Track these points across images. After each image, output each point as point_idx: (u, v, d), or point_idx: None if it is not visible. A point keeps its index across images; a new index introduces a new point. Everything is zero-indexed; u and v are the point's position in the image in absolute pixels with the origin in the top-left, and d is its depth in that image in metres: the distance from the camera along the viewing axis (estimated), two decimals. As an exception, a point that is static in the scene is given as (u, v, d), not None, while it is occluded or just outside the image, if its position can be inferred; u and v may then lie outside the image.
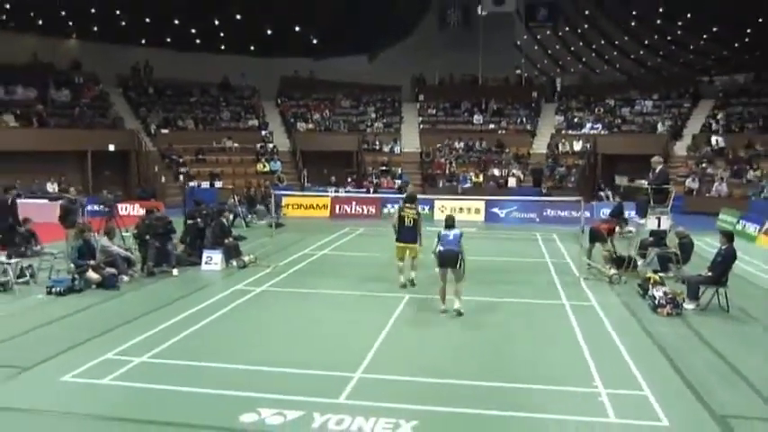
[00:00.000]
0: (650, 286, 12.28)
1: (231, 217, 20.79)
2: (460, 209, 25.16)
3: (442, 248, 11.18)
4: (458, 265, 11.05)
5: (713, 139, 32.28)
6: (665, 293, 11.68)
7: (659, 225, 13.76)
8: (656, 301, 11.61)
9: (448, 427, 6.82)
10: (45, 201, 22.40)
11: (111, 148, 29.49)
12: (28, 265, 13.10)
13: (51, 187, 26.59)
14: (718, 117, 34.43)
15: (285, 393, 7.43)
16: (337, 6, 35.68)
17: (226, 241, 15.61)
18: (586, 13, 44.75)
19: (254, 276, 14.18)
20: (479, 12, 40.59)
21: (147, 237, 14.38)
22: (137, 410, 7.08)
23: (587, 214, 20.98)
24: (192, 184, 28.67)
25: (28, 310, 11.20)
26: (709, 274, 12.00)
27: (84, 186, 27.31)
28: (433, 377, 8.09)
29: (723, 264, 11.89)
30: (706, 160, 31.41)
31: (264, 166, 33.20)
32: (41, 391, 7.58)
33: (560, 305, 12.13)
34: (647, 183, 14.12)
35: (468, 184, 32.03)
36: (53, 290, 12.06)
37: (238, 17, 35.88)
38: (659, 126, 34.87)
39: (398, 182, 32.37)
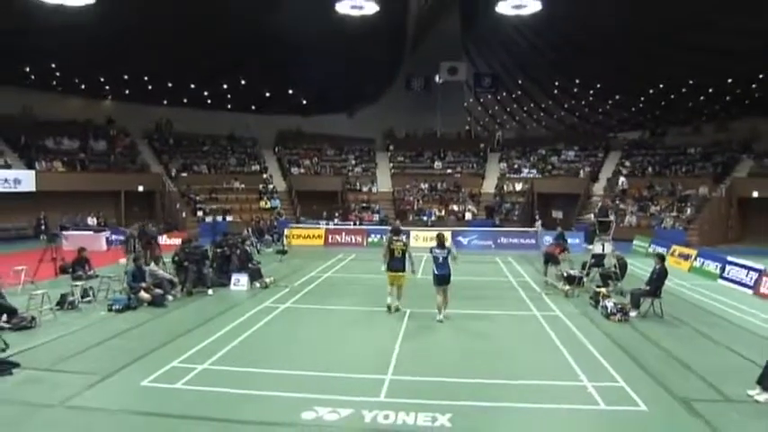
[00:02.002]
0: (601, 299, 12.47)
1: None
2: (431, 238, 25.10)
3: (437, 272, 11.38)
4: (449, 283, 11.41)
5: (620, 180, 33.07)
6: (614, 304, 11.86)
7: (603, 250, 14.07)
8: (609, 311, 11.76)
9: (476, 417, 6.71)
10: (90, 232, 21.78)
11: (140, 188, 28.98)
12: (89, 286, 12.62)
13: (91, 221, 25.94)
14: (625, 164, 35.42)
15: (333, 394, 7.23)
16: (322, 74, 35.87)
17: (250, 265, 15.31)
18: (519, 82, 45.74)
19: (276, 295, 13.84)
20: (437, 80, 41.33)
21: (186, 262, 14.02)
22: (212, 410, 6.81)
23: (548, 239, 21.44)
24: (208, 219, 28.20)
25: (95, 324, 10.75)
26: (647, 288, 12.26)
27: (118, 220, 26.77)
28: (449, 377, 7.99)
29: (658, 280, 12.14)
30: (618, 198, 32.26)
31: (266, 203, 32.90)
32: (125, 395, 7.25)
33: (533, 315, 12.16)
34: (593, 216, 14.43)
35: (433, 218, 32.19)
36: (113, 308, 11.63)
37: (243, 82, 35.78)
38: (581, 171, 35.71)
39: (377, 216, 32.39)
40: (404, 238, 12.45)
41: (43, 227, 23.28)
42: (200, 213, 29.40)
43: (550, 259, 15.94)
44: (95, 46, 24.37)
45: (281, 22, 26.95)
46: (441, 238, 11.87)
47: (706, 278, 17.08)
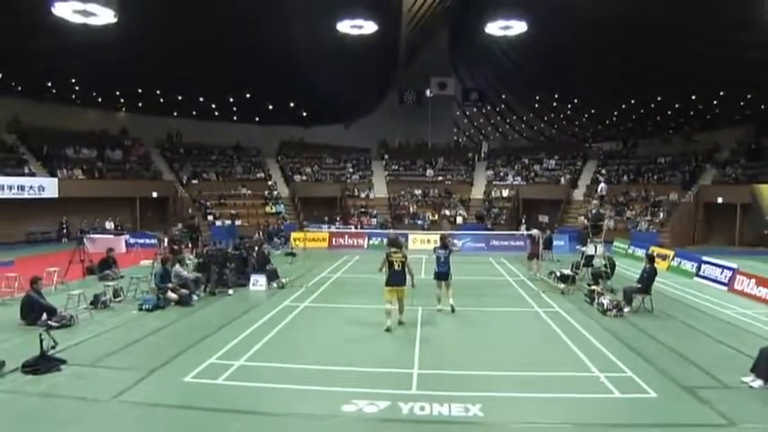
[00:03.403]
0: (596, 296, 12.56)
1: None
2: (428, 240, 25.11)
3: (437, 270, 11.76)
4: (448, 279, 11.71)
5: (600, 187, 33.25)
6: (610, 301, 11.95)
7: (596, 251, 14.17)
8: (605, 307, 11.84)
9: (505, 406, 6.69)
10: (111, 236, 21.50)
11: (155, 194, 28.68)
12: (120, 287, 12.43)
13: (109, 225, 25.68)
14: (602, 172, 35.74)
15: (368, 387, 7.15)
16: (321, 88, 35.86)
17: (267, 267, 15.18)
18: (503, 96, 46.10)
19: (294, 295, 13.71)
20: (428, 94, 41.52)
21: (210, 264, 13.88)
22: (256, 405, 6.69)
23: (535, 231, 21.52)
24: (218, 223, 27.96)
25: (129, 323, 10.57)
26: (639, 285, 12.38)
27: (133, 225, 26.47)
28: (472, 370, 7.96)
29: (648, 278, 12.28)
30: (597, 203, 32.47)
31: (272, 208, 32.74)
32: (172, 390, 7.10)
33: (535, 312, 12.20)
34: (586, 220, 14.54)
35: (428, 222, 32.21)
36: (143, 307, 11.46)
37: (248, 96, 35.67)
38: (561, 179, 35.99)
39: (375, 220, 32.36)
40: (403, 249, 10.88)
41: (65, 230, 23.01)
42: (210, 218, 29.17)
43: (533, 257, 17.28)
44: (113, 63, 24.15)
45: (285, 40, 26.98)
46: (443, 240, 12.06)
47: (683, 276, 17.27)
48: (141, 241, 20.24)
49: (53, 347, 7.70)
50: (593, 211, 14.65)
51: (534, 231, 20.43)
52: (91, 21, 18.00)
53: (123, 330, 9.98)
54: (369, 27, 24.70)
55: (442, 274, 11.63)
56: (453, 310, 11.50)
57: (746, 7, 18.76)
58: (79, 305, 10.66)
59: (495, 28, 25.51)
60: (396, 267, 10.22)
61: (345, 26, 24.56)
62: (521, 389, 7.22)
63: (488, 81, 43.08)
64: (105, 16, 17.99)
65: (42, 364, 7.50)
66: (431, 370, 7.97)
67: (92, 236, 18.26)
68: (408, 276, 10.35)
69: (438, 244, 11.99)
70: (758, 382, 7.39)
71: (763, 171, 28.02)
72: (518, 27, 24.99)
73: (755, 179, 27.37)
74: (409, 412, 6.46)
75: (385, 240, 25.13)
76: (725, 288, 15.07)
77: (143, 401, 6.70)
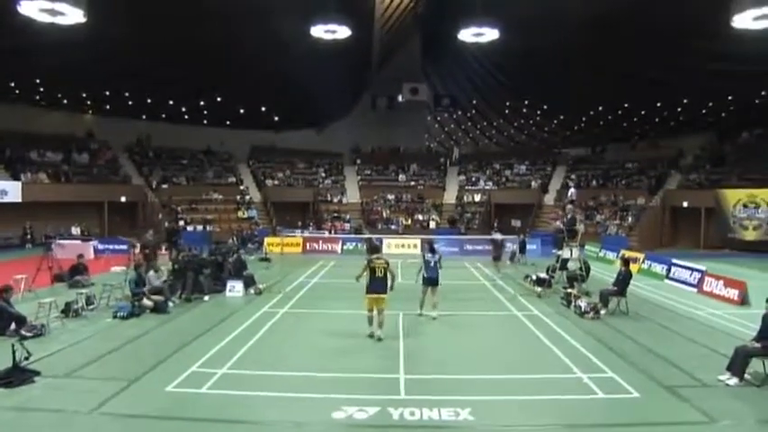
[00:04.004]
0: (573, 299, 12.82)
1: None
2: (403, 245, 25.27)
3: (426, 275, 11.54)
4: (438, 284, 11.54)
5: (570, 192, 33.99)
6: (587, 303, 12.22)
7: (572, 255, 14.47)
8: (582, 309, 12.10)
9: (494, 410, 6.74)
10: (78, 242, 20.81)
11: (123, 199, 27.92)
12: (92, 294, 12.04)
13: (75, 230, 24.83)
14: (571, 177, 36.62)
15: (356, 394, 7.12)
16: (293, 93, 35.63)
17: (244, 273, 14.98)
18: (474, 102, 46.61)
19: (272, 301, 13.54)
20: (400, 99, 41.64)
21: (185, 270, 13.59)
22: (243, 413, 6.59)
23: (514, 246, 21.98)
24: (189, 228, 27.42)
25: (104, 331, 10.25)
26: (615, 288, 12.70)
27: (101, 230, 25.69)
28: (458, 374, 8.03)
29: (624, 281, 12.63)
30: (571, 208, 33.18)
31: (244, 213, 32.37)
32: (154, 400, 6.92)
33: (514, 315, 12.35)
34: (561, 224, 14.84)
35: (401, 227, 32.31)
36: (118, 314, 11.13)
37: (218, 99, 35.16)
38: (532, 183, 36.67)
39: (348, 225, 32.28)
40: (384, 256, 10.57)
41: (29, 236, 22.19)
42: (181, 223, 28.58)
43: (497, 258, 18.82)
44: (80, 63, 23.43)
45: (257, 43, 26.74)
46: (431, 244, 12.04)
47: (654, 279, 17.79)
48: (111, 247, 19.66)
49: (26, 359, 7.41)
50: (569, 216, 14.98)
51: (497, 235, 21.09)
52: (59, 20, 17.37)
53: (98, 339, 9.68)
54: (342, 32, 24.68)
55: (432, 280, 11.49)
56: (434, 318, 11.46)
57: (709, 18, 19.49)
58: (50, 314, 10.25)
59: (467, 35, 25.83)
60: (378, 274, 9.90)
61: (319, 31, 24.48)
62: (508, 392, 7.31)
63: (460, 87, 43.54)
64: (74, 16, 17.36)
65: (15, 376, 7.21)
66: (417, 375, 8.00)
67: (61, 241, 17.63)
68: (389, 281, 10.09)
69: (426, 248, 11.90)
70: (734, 380, 7.69)
71: (726, 176, 29.19)
72: (490, 34, 25.38)
73: (718, 184, 28.49)
74: (399, 418, 6.47)
75: (359, 245, 25.36)
76: (694, 290, 15.58)
77: (125, 413, 6.52)
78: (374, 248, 11.17)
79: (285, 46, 27.49)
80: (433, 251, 11.80)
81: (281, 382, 7.69)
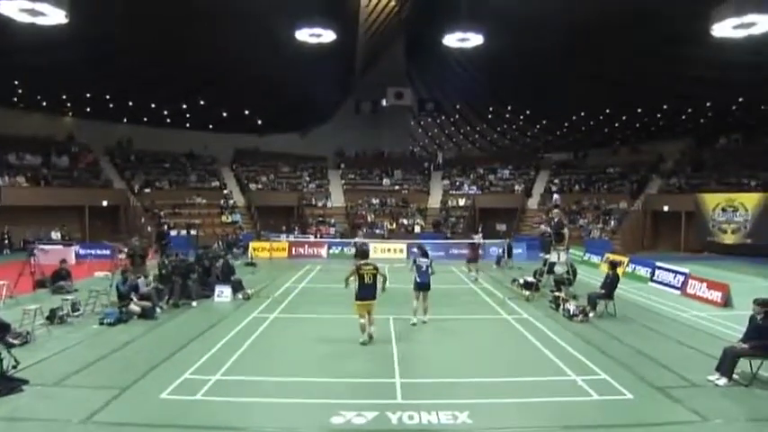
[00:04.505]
0: (561, 302, 12.99)
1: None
2: (389, 249, 25.29)
3: (419, 279, 11.51)
4: (429, 290, 11.50)
5: (554, 197, 34.58)
6: (576, 306, 12.38)
7: (559, 259, 14.66)
8: (571, 312, 12.27)
9: (492, 413, 6.79)
10: (59, 246, 20.37)
11: (105, 203, 27.45)
12: (78, 300, 11.81)
13: (55, 235, 24.32)
14: (554, 182, 37.10)
15: (353, 398, 7.12)
16: (277, 96, 35.54)
17: (232, 278, 14.85)
18: (457, 107, 46.98)
19: (260, 306, 13.43)
20: (384, 103, 41.74)
21: (173, 275, 13.44)
22: (241, 420, 6.53)
23: (499, 251, 22.18)
24: (173, 233, 27.03)
25: (91, 338, 10.06)
26: (603, 291, 12.91)
27: (82, 235, 25.20)
28: (453, 377, 8.05)
29: (612, 284, 12.84)
30: (549, 211, 33.62)
31: (227, 217, 32.08)
32: (149, 408, 6.81)
33: (504, 318, 12.47)
34: (549, 228, 15.03)
35: (386, 231, 32.34)
36: (104, 321, 10.93)
37: (202, 102, 34.88)
38: (516, 188, 37.04)
39: (333, 229, 32.22)
40: (372, 261, 10.40)
41: (7, 241, 21.65)
42: (164, 227, 28.14)
43: (473, 261, 18.86)
44: (61, 65, 23.06)
45: (241, 47, 26.63)
46: (423, 249, 12.06)
47: (639, 281, 18.10)
48: (93, 252, 19.31)
49: (14, 367, 7.25)
50: (556, 220, 15.17)
51: (475, 238, 21.48)
52: (40, 21, 17.07)
53: (86, 346, 9.50)
54: (327, 36, 24.70)
55: (424, 285, 11.40)
56: (424, 322, 11.49)
57: (690, 26, 19.97)
58: (35, 321, 10.03)
59: (452, 40, 26.05)
60: (366, 281, 9.78)
61: (304, 34, 24.46)
62: (504, 395, 7.37)
63: (444, 91, 43.86)
64: (55, 16, 17.09)
65: (3, 384, 7.05)
66: (413, 379, 8.02)
67: (43, 246, 17.26)
68: (379, 285, 10.06)
69: (419, 252, 11.88)
70: (723, 380, 7.88)
71: (705, 181, 29.89)
72: (475, 39, 25.63)
73: (698, 188, 29.15)
74: (398, 422, 6.48)
75: (345, 249, 25.31)
76: (678, 292, 15.90)
77: (119, 421, 6.42)
78: (362, 254, 10.67)
79: (270, 49, 27.44)
80: (425, 255, 11.79)
81: (276, 387, 7.64)
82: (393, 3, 37.50)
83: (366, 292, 9.82)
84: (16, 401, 6.89)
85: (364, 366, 8.68)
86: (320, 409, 6.82)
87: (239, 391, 7.46)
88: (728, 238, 26.97)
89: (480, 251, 20.38)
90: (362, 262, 10.11)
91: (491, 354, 9.64)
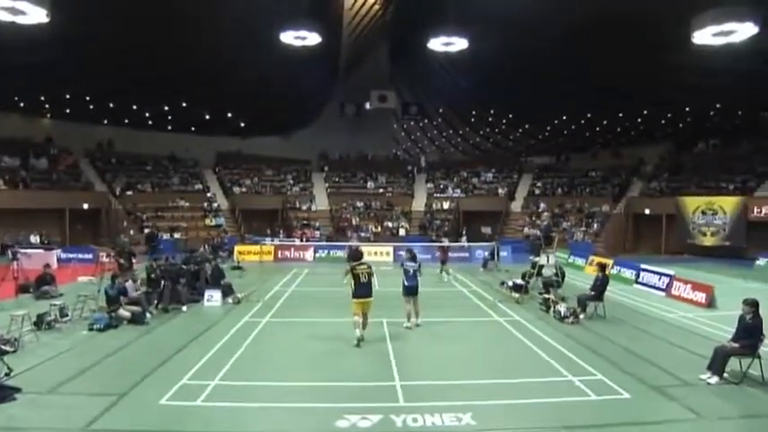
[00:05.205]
0: (552, 304, 13.19)
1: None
2: (375, 252, 25.30)
3: (407, 283, 11.58)
4: (417, 294, 11.55)
5: (541, 206, 34.89)
6: (567, 308, 12.58)
7: (548, 261, 14.88)
8: (562, 314, 12.46)
9: (495, 414, 6.86)
10: (41, 251, 19.92)
11: (86, 206, 26.94)
12: (65, 305, 11.58)
13: (34, 239, 23.75)
14: (537, 185, 37.56)
15: (355, 402, 7.12)
16: (260, 98, 35.42)
17: (222, 282, 14.73)
18: (440, 110, 47.37)
19: (251, 310, 13.31)
20: (368, 106, 41.85)
21: (162, 280, 13.28)
22: (245, 424, 6.55)
23: (486, 253, 22.42)
24: (165, 236, 26.77)
25: (81, 344, 9.88)
26: (592, 293, 13.14)
27: (62, 238, 24.68)
28: (453, 380, 8.10)
29: (601, 286, 13.08)
30: (534, 215, 34.08)
31: (211, 221, 31.77)
32: (149, 415, 6.72)
33: (497, 321, 12.58)
34: (538, 231, 15.25)
35: (371, 234, 32.36)
36: (94, 326, 10.76)
37: (184, 104, 34.57)
38: (499, 191, 37.38)
39: (318, 232, 32.15)
40: (367, 261, 10.68)
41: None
42: (147, 231, 27.75)
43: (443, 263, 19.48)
44: (39, 65, 22.62)
45: (224, 49, 26.48)
46: (411, 253, 12.12)
47: (624, 283, 18.41)
48: (74, 256, 18.93)
49: (7, 374, 7.10)
50: (545, 223, 15.45)
51: (445, 240, 22.14)
52: (20, 20, 16.75)
53: (77, 353, 9.35)
54: (312, 38, 24.67)
55: (412, 289, 11.41)
56: (418, 325, 11.53)
57: (671, 32, 20.49)
58: (23, 327, 9.82)
59: (437, 44, 26.26)
60: (362, 280, 10.03)
61: (289, 37, 24.40)
62: (505, 396, 7.46)
63: (427, 95, 44.16)
64: (36, 15, 16.80)
65: (-4, 393, 6.89)
66: (412, 381, 8.06)
67: (27, 251, 16.87)
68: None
69: (406, 256, 11.99)
70: (714, 379, 8.12)
71: (685, 185, 30.62)
72: (460, 44, 25.88)
73: (678, 192, 29.84)
74: (403, 425, 6.52)
75: (332, 253, 25.29)
76: (663, 293, 16.26)
77: (119, 429, 6.37)
78: (355, 256, 10.70)
79: (253, 51, 27.34)
80: (413, 259, 11.84)
81: (277, 392, 7.62)
82: (377, 6, 37.73)
83: (363, 290, 10.03)
84: (9, 410, 6.74)
85: (363, 370, 8.70)
86: (324, 413, 6.82)
87: (240, 395, 7.42)
88: (708, 241, 27.65)
89: (449, 253, 21.40)
90: (356, 263, 10.26)
91: (487, 356, 9.73)
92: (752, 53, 19.53)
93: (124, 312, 11.38)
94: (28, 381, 7.70)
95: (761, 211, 26.25)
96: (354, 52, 42.02)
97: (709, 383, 8.06)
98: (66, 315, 11.15)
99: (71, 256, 19.36)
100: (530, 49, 27.36)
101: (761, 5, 16.70)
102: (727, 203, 27.15)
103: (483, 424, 6.56)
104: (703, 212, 27.68)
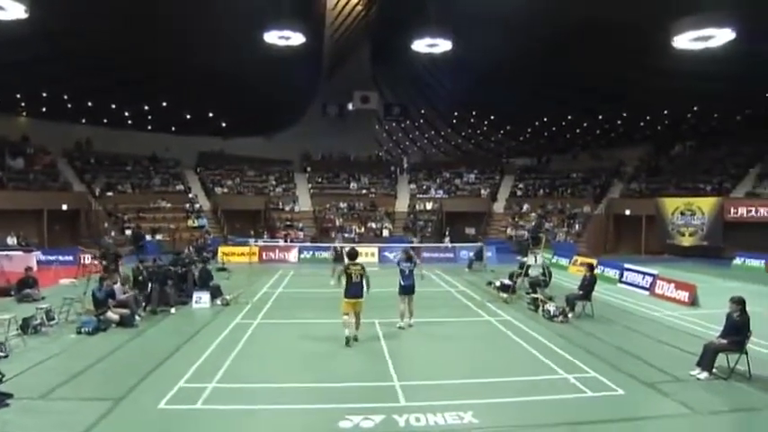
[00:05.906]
0: (540, 303, 13.40)
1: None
2: (363, 253, 25.21)
3: (403, 283, 11.64)
4: (413, 293, 11.62)
5: (525, 207, 35.28)
6: (556, 308, 12.79)
7: (536, 261, 15.11)
8: (551, 313, 12.66)
9: (496, 412, 6.93)
10: (20, 253, 19.42)
11: (65, 207, 26.37)
12: (51, 308, 11.34)
13: (11, 240, 23.13)
14: (519, 186, 38.02)
15: (356, 402, 7.11)
16: (242, 98, 35.17)
17: (210, 283, 14.60)
18: (422, 111, 47.63)
19: (241, 312, 13.21)
20: (350, 107, 41.84)
21: (149, 281, 13.11)
22: (247, 427, 6.52)
23: (471, 254, 22.58)
24: (147, 237, 26.34)
25: (70, 348, 9.69)
26: (580, 292, 13.38)
27: (40, 240, 24.11)
28: (451, 379, 8.16)
29: (589, 286, 13.32)
30: (516, 216, 34.49)
31: (194, 222, 31.39)
32: (149, 420, 6.62)
33: (487, 320, 12.72)
34: (527, 233, 15.47)
35: (354, 235, 32.36)
36: (82, 330, 10.55)
37: (164, 104, 34.12)
38: (482, 192, 37.73)
39: (302, 233, 32.03)
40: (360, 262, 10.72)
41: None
42: (128, 232, 27.33)
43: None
44: (15, 63, 22.09)
45: (206, 48, 26.24)
46: (407, 253, 12.20)
47: (608, 283, 18.69)
48: (55, 258, 18.52)
49: (0, 381, 6.94)
50: (533, 224, 15.66)
51: (414, 240, 22.35)
52: (-4, 14, 16.33)
53: (67, 357, 9.17)
54: (296, 38, 24.57)
55: (408, 288, 11.51)
56: (411, 326, 11.61)
57: (652, 37, 20.98)
58: (9, 331, 9.60)
59: (421, 45, 26.39)
60: (354, 279, 10.13)
61: (272, 37, 24.26)
62: (503, 394, 7.56)
63: (410, 96, 44.37)
64: (14, 11, 16.41)
65: (-13, 399, 6.74)
66: (411, 381, 8.10)
67: (8, 253, 16.44)
68: (366, 287, 10.27)
69: (402, 256, 12.04)
70: (704, 375, 8.36)
71: (664, 186, 31.33)
72: (443, 45, 26.04)
73: (657, 193, 30.53)
74: (406, 424, 6.55)
75: (317, 254, 25.21)
76: (647, 293, 16.63)
77: (119, 434, 6.26)
78: (351, 255, 10.80)
79: (234, 50, 27.12)
80: (409, 259, 11.93)
81: (276, 393, 7.60)
82: (360, 7, 37.77)
83: (354, 290, 10.12)
84: (5, 416, 6.59)
85: (361, 370, 8.72)
86: (326, 413, 6.83)
87: (239, 398, 7.39)
88: (686, 241, 28.34)
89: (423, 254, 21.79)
90: (350, 262, 10.39)
91: (482, 355, 9.84)
92: (729, 57, 20.11)
93: (112, 315, 11.21)
94: (18, 386, 7.51)
95: (737, 212, 27.01)
96: (337, 53, 42.01)
97: (698, 379, 8.29)
98: (53, 318, 10.91)
99: (52, 258, 18.94)
100: (511, 52, 27.74)
101: (738, 12, 17.22)
102: (705, 204, 27.86)
103: (484, 421, 6.64)
104: (682, 213, 28.36)
